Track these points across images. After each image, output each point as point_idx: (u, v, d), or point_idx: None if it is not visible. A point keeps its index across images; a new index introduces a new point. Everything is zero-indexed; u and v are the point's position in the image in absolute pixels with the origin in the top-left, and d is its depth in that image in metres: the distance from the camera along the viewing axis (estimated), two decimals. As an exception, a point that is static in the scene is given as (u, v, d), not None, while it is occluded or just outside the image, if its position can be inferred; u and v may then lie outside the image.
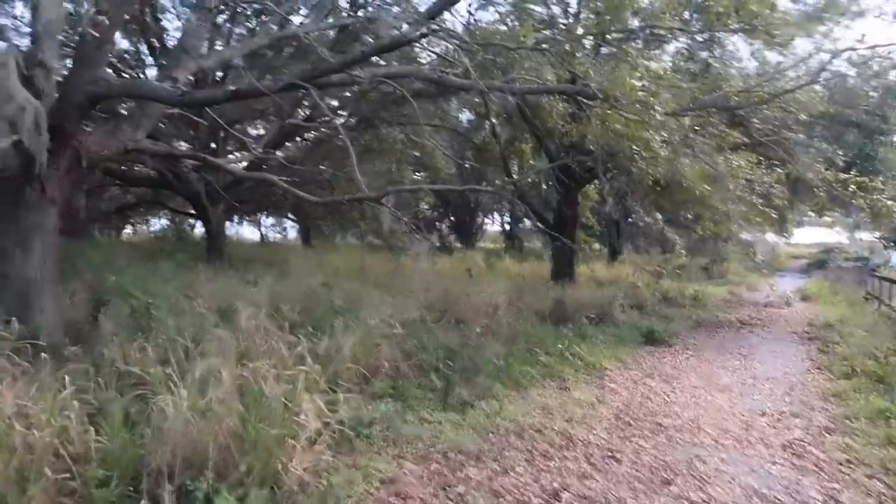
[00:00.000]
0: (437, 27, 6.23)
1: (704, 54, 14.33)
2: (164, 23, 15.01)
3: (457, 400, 6.21)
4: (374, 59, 13.44)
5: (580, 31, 12.55)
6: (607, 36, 12.34)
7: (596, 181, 15.38)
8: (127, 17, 12.92)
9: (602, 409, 6.57)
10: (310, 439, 3.99)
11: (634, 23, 11.48)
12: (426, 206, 32.54)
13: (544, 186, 19.04)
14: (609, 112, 8.12)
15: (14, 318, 6.42)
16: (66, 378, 3.98)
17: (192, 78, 13.79)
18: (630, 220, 26.85)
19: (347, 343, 6.25)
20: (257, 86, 6.44)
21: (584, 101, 8.29)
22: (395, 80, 8.15)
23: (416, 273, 12.38)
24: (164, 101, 6.83)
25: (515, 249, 29.74)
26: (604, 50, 12.85)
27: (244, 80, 7.36)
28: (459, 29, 11.40)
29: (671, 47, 14.78)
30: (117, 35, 15.79)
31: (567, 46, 9.77)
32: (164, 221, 26.77)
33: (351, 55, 6.07)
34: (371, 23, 8.57)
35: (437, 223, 35.30)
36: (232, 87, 6.41)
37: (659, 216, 22.41)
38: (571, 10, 14.66)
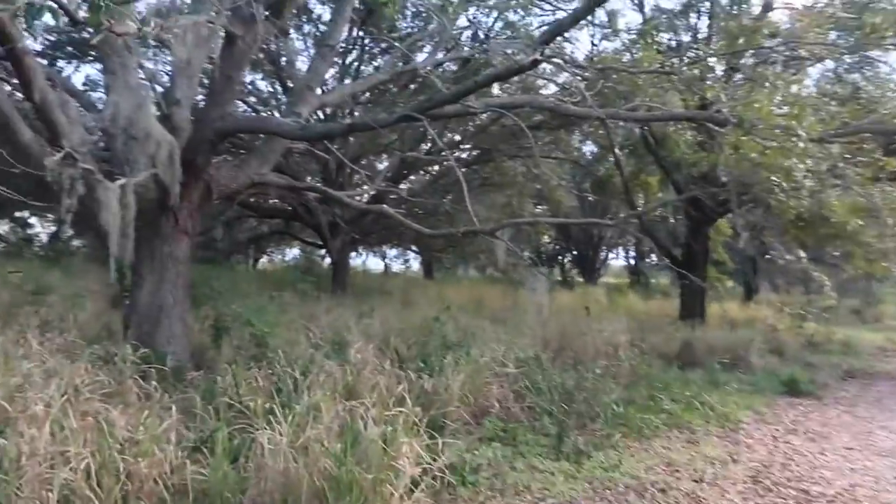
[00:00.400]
0: (551, 54, 6.01)
1: (855, 76, 13.09)
2: (299, 63, 15.87)
3: (571, 448, 5.77)
4: (495, 90, 13.48)
5: (711, 57, 11.87)
6: (741, 61, 11.58)
7: (729, 215, 14.35)
8: (261, 57, 13.77)
9: (736, 468, 5.86)
10: (408, 485, 3.77)
11: (771, 45, 10.68)
12: (547, 240, 32.01)
13: (672, 220, 18.09)
14: (744, 139, 7.46)
15: (144, 343, 6.83)
16: (174, 407, 4.02)
17: (319, 113, 14.46)
18: (768, 256, 24.93)
19: (456, 381, 6.03)
20: (371, 119, 6.48)
21: (715, 127, 7.69)
22: (513, 111, 8.01)
23: (533, 308, 11.99)
24: (286, 136, 7.05)
25: (640, 286, 28.44)
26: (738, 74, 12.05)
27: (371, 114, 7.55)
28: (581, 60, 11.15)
29: (815, 70, 13.63)
30: (257, 76, 17.00)
31: (696, 71, 9.19)
32: (296, 252, 28.14)
33: (464, 85, 5.96)
34: (486, 54, 8.47)
35: (558, 257, 34.62)
36: (348, 121, 6.47)
37: (802, 253, 20.61)
38: (701, 35, 14.00)
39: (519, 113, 13.70)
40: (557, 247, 33.92)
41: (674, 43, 13.53)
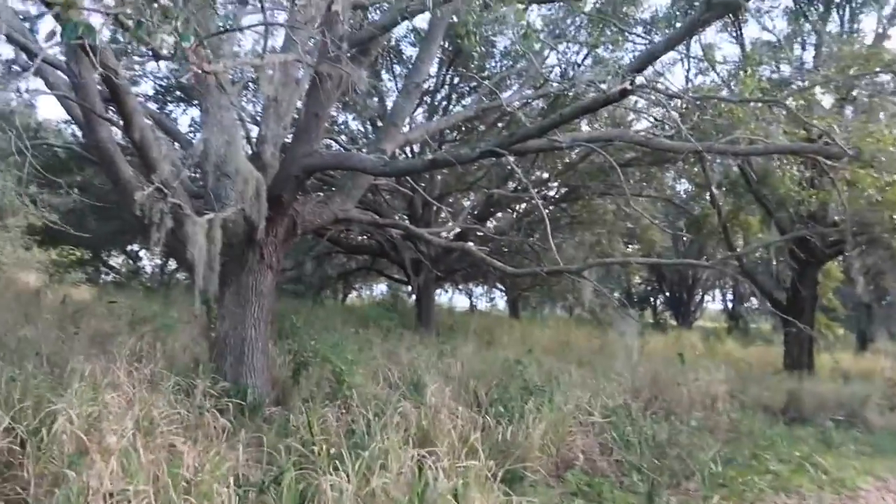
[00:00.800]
0: (641, 84, 5.70)
1: None
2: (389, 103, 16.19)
3: (663, 509, 5.28)
4: (584, 127, 13.18)
5: (819, 86, 11.10)
6: (853, 92, 10.76)
7: (841, 257, 13.29)
8: (352, 96, 14.11)
9: (856, 542, 5.19)
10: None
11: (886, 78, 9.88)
12: (639, 280, 30.93)
13: (775, 262, 16.97)
14: (861, 173, 6.80)
15: (227, 375, 6.89)
16: (240, 447, 3.92)
17: (407, 151, 14.61)
18: (886, 302, 22.96)
19: (538, 429, 5.68)
20: (452, 154, 6.36)
21: (827, 161, 7.08)
22: (603, 147, 7.70)
23: (623, 352, 11.42)
24: (368, 172, 7.04)
25: (739, 331, 26.83)
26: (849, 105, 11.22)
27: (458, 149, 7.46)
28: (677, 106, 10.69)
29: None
30: (349, 115, 17.47)
31: (802, 101, 8.56)
32: (384, 288, 28.46)
33: (549, 119, 5.73)
34: (573, 87, 8.23)
35: (650, 298, 33.34)
36: (429, 156, 6.38)
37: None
38: (808, 66, 13.22)
39: (609, 150, 13.39)
40: (650, 288, 32.72)
41: (776, 76, 12.83)
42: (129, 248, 23.90)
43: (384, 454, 3.88)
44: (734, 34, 14.27)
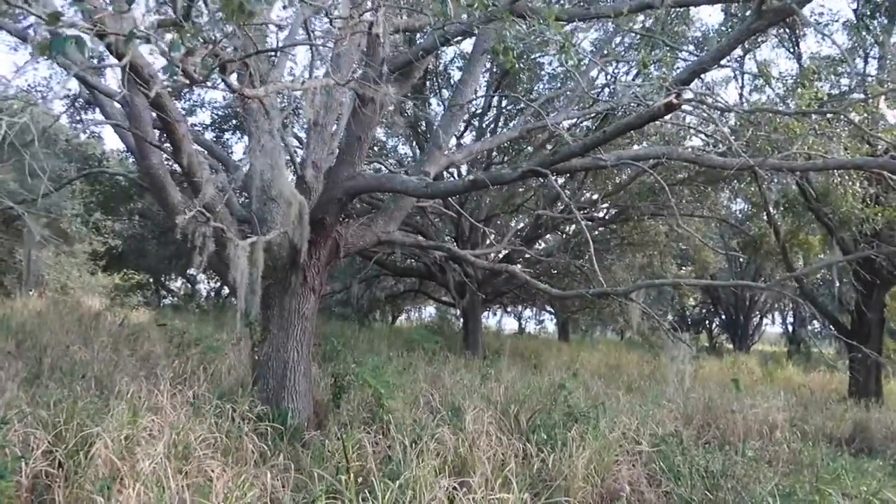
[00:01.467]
0: (688, 97, 5.50)
1: None
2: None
3: (716, 546, 4.98)
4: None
5: (883, 102, 10.59)
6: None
7: (911, 278, 12.59)
8: (399, 120, 14.23)
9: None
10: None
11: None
12: (693, 303, 30.04)
13: (837, 284, 16.20)
14: (928, 190, 6.40)
15: (269, 398, 6.90)
16: (268, 473, 3.87)
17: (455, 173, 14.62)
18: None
19: (581, 457, 5.46)
20: (493, 175, 6.27)
21: (893, 177, 6.69)
22: (653, 168, 7.50)
23: (674, 377, 11.02)
24: (410, 193, 7.01)
25: (801, 356, 25.66)
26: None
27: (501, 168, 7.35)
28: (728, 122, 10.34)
29: None
30: (398, 139, 17.65)
31: (865, 115, 8.15)
32: (432, 311, 28.44)
33: (593, 137, 5.58)
34: (620, 106, 8.04)
35: (705, 321, 32.32)
36: (470, 178, 6.30)
37: None
38: (871, 79, 12.66)
39: (660, 170, 13.09)
40: (705, 311, 31.74)
41: (836, 91, 12.33)
42: (186, 272, 24.63)
43: (415, 483, 3.76)
44: (791, 49, 13.85)
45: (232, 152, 14.83)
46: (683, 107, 8.12)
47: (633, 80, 13.51)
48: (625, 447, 6.05)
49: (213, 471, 4.05)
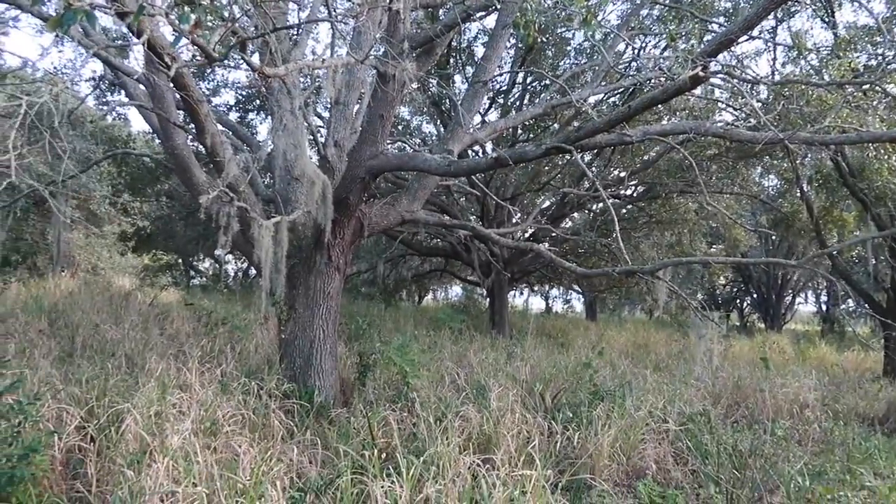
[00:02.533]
0: (715, 70, 5.34)
1: None
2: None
3: (743, 525, 4.92)
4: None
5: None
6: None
7: (949, 254, 12.22)
8: (423, 99, 14.12)
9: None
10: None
11: None
12: (723, 282, 29.63)
13: (873, 261, 15.81)
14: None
15: (296, 376, 6.97)
16: (294, 449, 3.90)
17: (480, 151, 14.50)
18: None
19: (607, 435, 5.42)
20: (516, 152, 6.18)
21: (930, 150, 6.45)
22: (682, 144, 7.32)
23: (702, 356, 10.89)
24: (433, 172, 6.95)
25: (834, 335, 25.18)
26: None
27: (528, 145, 7.23)
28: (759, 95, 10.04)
29: None
30: (423, 118, 17.54)
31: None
32: (458, 290, 28.45)
33: (618, 113, 5.45)
34: (647, 80, 7.85)
35: (735, 300, 31.86)
36: (494, 155, 6.21)
37: None
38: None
39: (689, 146, 12.83)
40: (735, 289, 31.28)
41: (872, 62, 11.91)
42: (214, 252, 24.94)
43: (439, 459, 3.76)
44: (825, 19, 13.39)
45: (256, 133, 14.89)
46: (712, 80, 7.92)
47: (661, 53, 13.21)
48: (651, 426, 6.00)
49: (240, 446, 4.09)
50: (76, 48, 12.31)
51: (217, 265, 27.72)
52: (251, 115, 16.96)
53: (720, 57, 6.45)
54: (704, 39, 11.11)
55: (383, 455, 4.04)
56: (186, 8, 3.00)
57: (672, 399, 6.91)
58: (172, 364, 6.05)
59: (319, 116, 12.84)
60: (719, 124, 7.93)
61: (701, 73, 4.35)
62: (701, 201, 14.91)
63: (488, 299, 17.71)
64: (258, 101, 16.41)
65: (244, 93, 16.89)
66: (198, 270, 27.67)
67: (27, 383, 4.54)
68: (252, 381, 5.95)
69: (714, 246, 21.39)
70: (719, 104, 10.73)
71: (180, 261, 24.63)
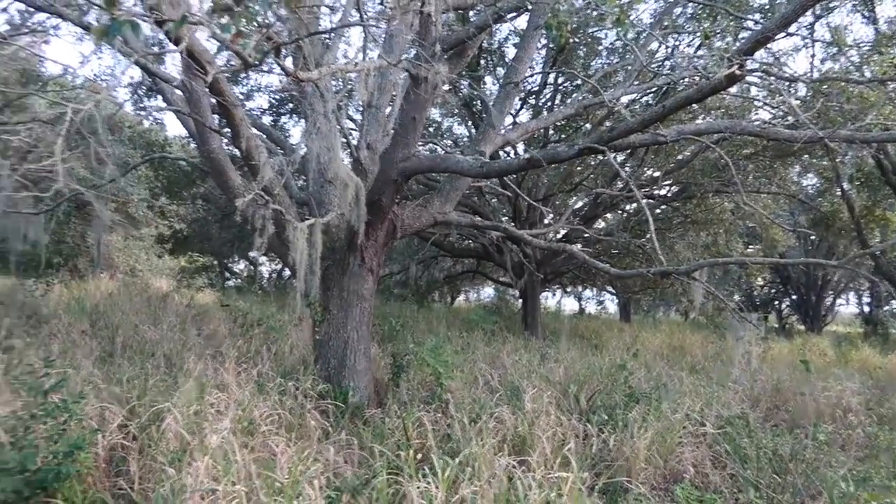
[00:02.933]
0: (751, 68, 5.23)
1: None
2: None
3: (784, 531, 4.81)
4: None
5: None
6: None
7: None
8: (455, 101, 14.14)
9: None
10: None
11: None
12: (761, 283, 29.06)
13: (918, 261, 15.38)
14: None
15: (330, 377, 7.03)
16: (331, 449, 3.93)
17: (512, 152, 14.46)
18: None
19: (643, 438, 5.36)
20: (548, 153, 6.15)
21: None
22: (718, 143, 7.20)
23: (741, 358, 10.69)
24: (465, 173, 6.96)
25: (878, 337, 24.46)
26: None
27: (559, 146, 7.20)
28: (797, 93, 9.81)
29: None
30: (454, 120, 17.55)
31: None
32: (491, 291, 28.40)
33: (651, 112, 5.39)
34: (681, 78, 7.74)
35: (773, 302, 31.21)
36: (526, 156, 6.20)
37: None
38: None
39: (724, 145, 12.60)
40: (774, 290, 30.64)
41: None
42: (248, 254, 25.27)
43: (475, 461, 3.75)
44: (866, 14, 13.07)
45: (289, 136, 15.06)
46: (748, 79, 7.77)
47: (695, 52, 13.02)
48: (688, 429, 5.91)
49: (276, 446, 4.15)
50: (114, 55, 12.60)
51: (251, 267, 28.12)
52: (283, 119, 17.18)
53: (756, 55, 6.34)
54: (740, 37, 10.93)
55: (418, 456, 4.05)
56: (227, 18, 3.05)
57: (709, 402, 6.80)
58: (210, 364, 6.16)
59: (352, 119, 12.93)
60: (756, 123, 7.79)
61: (737, 72, 4.28)
62: (737, 201, 14.63)
63: (521, 300, 17.65)
64: (290, 105, 16.60)
65: (277, 97, 17.12)
66: (232, 272, 28.09)
67: (71, 382, 4.65)
68: (287, 382, 6.02)
69: (751, 246, 20.98)
70: (756, 102, 10.52)
71: (215, 263, 25.04)
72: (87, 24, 6.83)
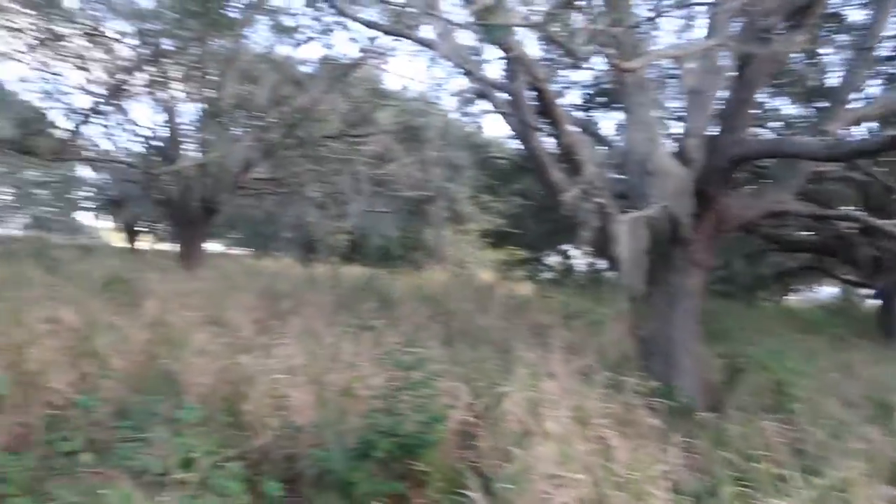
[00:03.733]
0: None
1: None
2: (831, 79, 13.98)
3: None
4: None
5: None
6: None
7: None
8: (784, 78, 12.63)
9: None
10: None
11: None
12: None
13: None
14: None
15: (652, 374, 6.82)
16: (673, 449, 3.78)
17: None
18: None
19: None
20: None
21: None
22: None
23: None
24: (808, 157, 6.16)
25: None
26: None
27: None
28: None
29: None
30: (783, 100, 15.72)
31: None
32: (833, 290, 24.84)
33: None
34: None
35: None
36: (891, 132, 5.24)
37: None
38: None
39: None
40: None
41: None
42: (562, 247, 25.91)
43: (845, 486, 3.27)
44: None
45: (600, 129, 14.98)
46: None
47: None
48: None
49: (608, 440, 4.13)
50: (445, 67, 13.90)
51: (565, 260, 28.70)
52: (595, 112, 17.17)
53: None
54: None
55: (771, 469, 3.68)
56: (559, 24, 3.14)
57: None
58: (537, 353, 6.41)
59: (671, 108, 12.36)
60: None
61: None
62: None
63: (878, 302, 15.16)
64: (602, 98, 16.53)
65: (588, 91, 17.19)
66: (546, 265, 29.07)
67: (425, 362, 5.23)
68: (613, 376, 5.98)
69: None
70: None
71: (531, 256, 26.19)
72: (428, 41, 7.62)
